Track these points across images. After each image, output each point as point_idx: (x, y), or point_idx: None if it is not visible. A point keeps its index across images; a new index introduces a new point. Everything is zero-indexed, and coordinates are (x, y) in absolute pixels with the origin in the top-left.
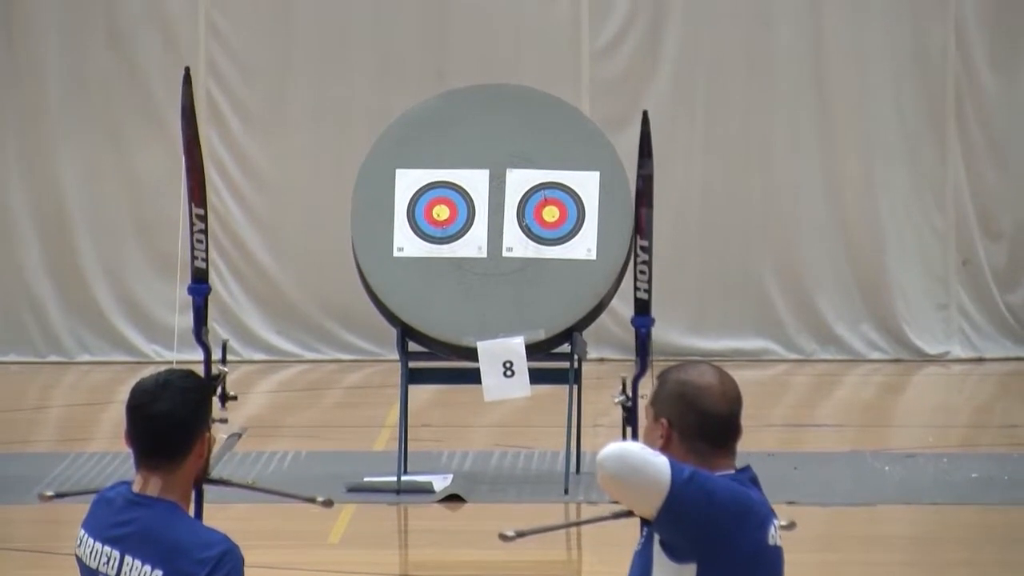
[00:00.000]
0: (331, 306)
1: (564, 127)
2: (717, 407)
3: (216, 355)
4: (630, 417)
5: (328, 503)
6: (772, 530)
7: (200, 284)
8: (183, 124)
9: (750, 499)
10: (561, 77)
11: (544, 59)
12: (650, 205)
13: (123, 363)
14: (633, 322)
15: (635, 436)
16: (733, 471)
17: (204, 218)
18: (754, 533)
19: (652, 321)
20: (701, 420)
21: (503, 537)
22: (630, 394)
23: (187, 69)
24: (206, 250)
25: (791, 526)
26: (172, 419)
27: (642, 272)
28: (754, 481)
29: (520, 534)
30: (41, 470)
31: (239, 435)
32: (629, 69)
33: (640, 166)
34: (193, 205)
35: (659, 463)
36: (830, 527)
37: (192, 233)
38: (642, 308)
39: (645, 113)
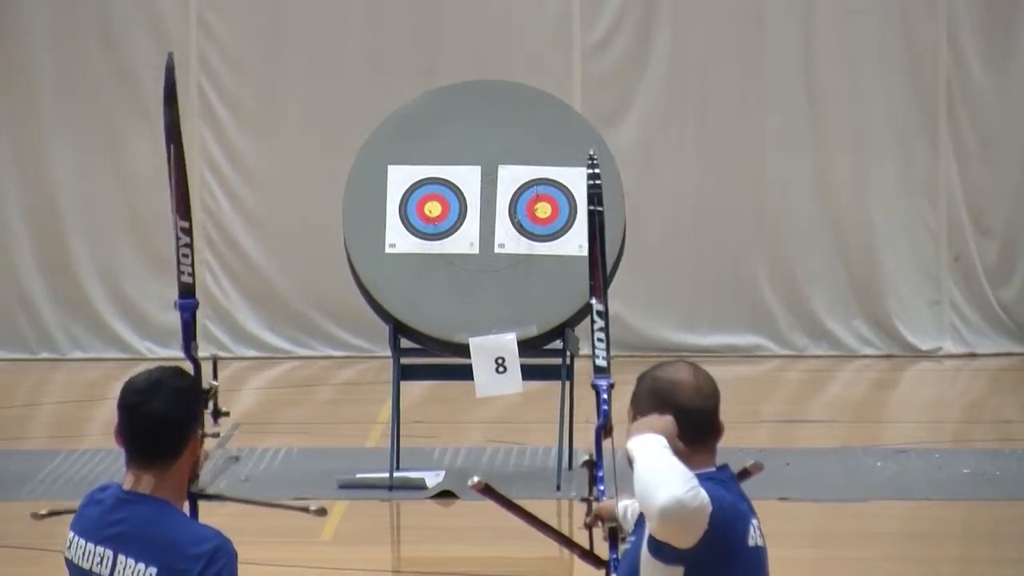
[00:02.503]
0: (323, 302)
1: (556, 123)
2: (692, 402)
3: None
4: (593, 473)
5: (321, 511)
6: (752, 531)
7: (187, 299)
8: (165, 109)
9: (735, 505)
10: (552, 74)
11: (535, 56)
12: (603, 249)
13: (115, 360)
14: (592, 385)
15: (600, 490)
16: (714, 468)
17: (189, 231)
18: (738, 537)
19: (612, 384)
20: (675, 416)
21: (470, 484)
22: (593, 452)
23: (170, 55)
24: (192, 264)
25: (757, 465)
26: (165, 418)
27: (600, 340)
28: (733, 479)
29: (487, 486)
30: (33, 467)
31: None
32: (621, 66)
33: (590, 201)
34: (177, 218)
35: (706, 501)
36: (822, 523)
37: (178, 248)
38: (601, 372)
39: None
